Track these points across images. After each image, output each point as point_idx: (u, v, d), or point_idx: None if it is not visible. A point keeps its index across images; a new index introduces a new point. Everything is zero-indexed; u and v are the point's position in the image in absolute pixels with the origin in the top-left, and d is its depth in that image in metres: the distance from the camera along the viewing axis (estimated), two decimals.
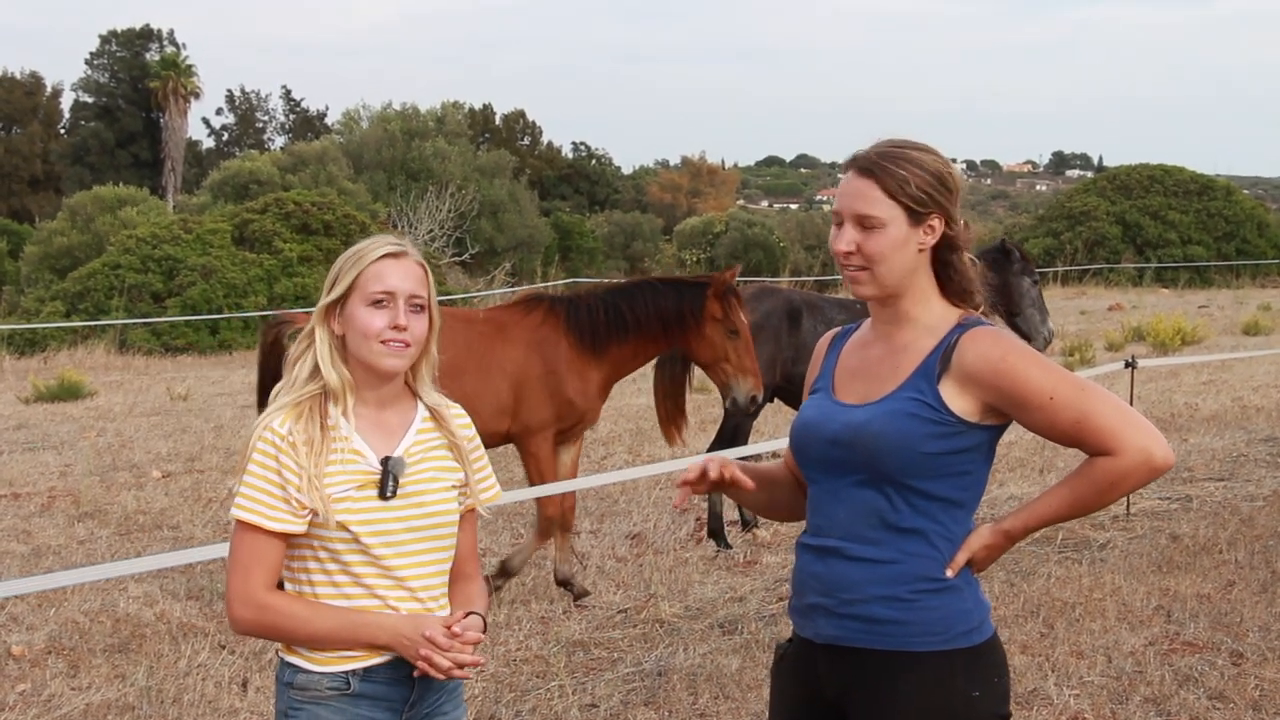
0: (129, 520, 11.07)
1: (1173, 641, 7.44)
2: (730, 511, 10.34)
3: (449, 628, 3.25)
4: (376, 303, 3.27)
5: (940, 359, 3.15)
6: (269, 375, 8.85)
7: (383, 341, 3.27)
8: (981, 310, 3.30)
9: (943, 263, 3.25)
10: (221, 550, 6.60)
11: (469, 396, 8.35)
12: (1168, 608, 8.04)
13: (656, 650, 7.56)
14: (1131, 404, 11.45)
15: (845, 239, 3.18)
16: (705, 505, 10.33)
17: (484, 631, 3.38)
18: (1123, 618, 7.84)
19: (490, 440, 8.55)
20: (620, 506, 11.33)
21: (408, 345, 3.31)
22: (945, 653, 3.12)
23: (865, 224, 3.17)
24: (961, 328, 3.19)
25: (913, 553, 3.14)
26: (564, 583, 8.63)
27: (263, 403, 9.07)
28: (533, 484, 8.54)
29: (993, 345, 3.13)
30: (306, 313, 9.11)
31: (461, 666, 3.25)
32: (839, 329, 3.54)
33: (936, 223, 3.20)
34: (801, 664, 3.33)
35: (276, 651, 3.39)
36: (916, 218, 3.18)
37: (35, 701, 6.89)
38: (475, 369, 8.31)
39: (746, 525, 10.39)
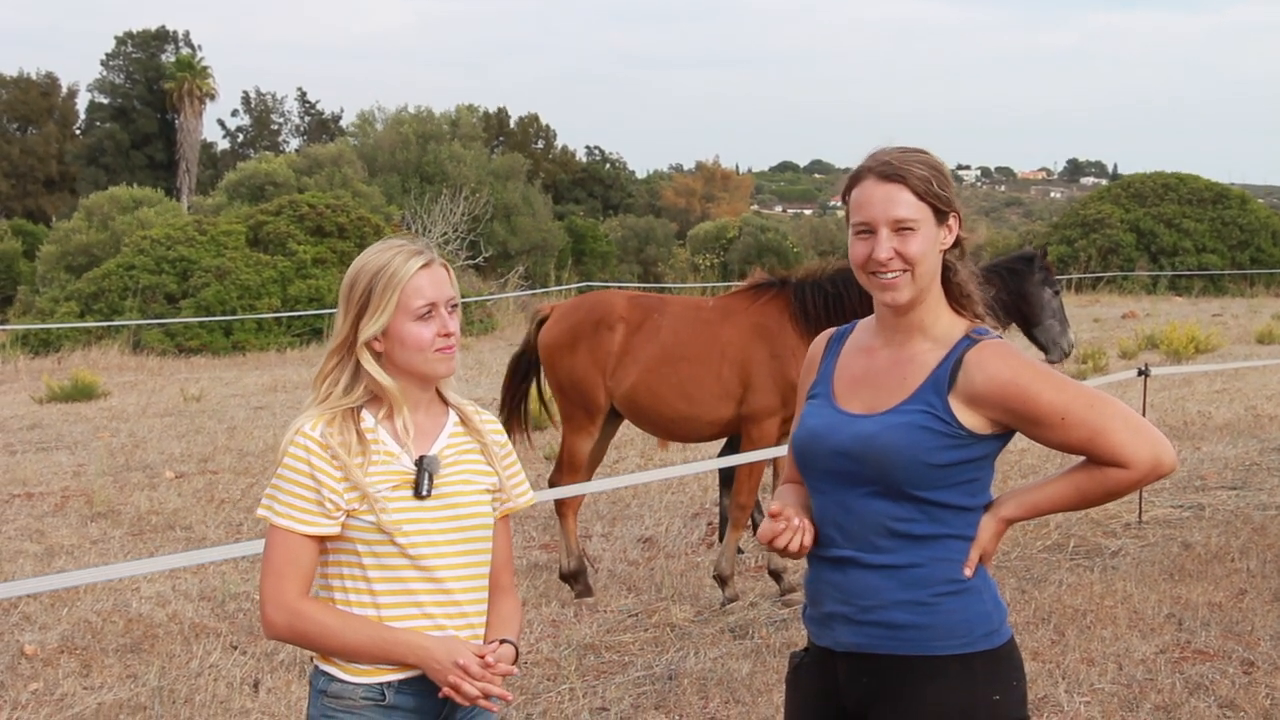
0: (142, 520, 11.11)
1: (1184, 649, 7.43)
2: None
3: (482, 657, 3.23)
4: (421, 316, 3.30)
5: (950, 372, 3.15)
6: (525, 364, 9.10)
7: (436, 350, 3.31)
8: (982, 318, 3.29)
9: (947, 266, 3.26)
10: (234, 551, 6.64)
11: (694, 382, 8.40)
12: (1179, 616, 8.03)
13: (667, 654, 7.57)
14: (1144, 412, 11.45)
15: (884, 246, 3.16)
16: (716, 510, 10.34)
17: (515, 661, 3.36)
18: (1134, 625, 7.83)
19: (715, 428, 8.63)
20: (632, 510, 11.34)
21: (454, 348, 3.36)
22: (966, 656, 3.13)
23: (901, 227, 3.17)
24: (968, 340, 3.19)
25: (930, 557, 3.15)
26: (776, 574, 8.75)
27: (511, 392, 9.22)
28: (740, 474, 8.59)
29: (1001, 366, 3.13)
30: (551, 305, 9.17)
31: (489, 697, 3.23)
32: (834, 330, 3.52)
33: (954, 222, 3.23)
34: (819, 673, 3.33)
35: (312, 658, 3.39)
36: (940, 217, 3.21)
37: (48, 700, 6.91)
38: (699, 355, 8.41)
39: (756, 529, 10.37)
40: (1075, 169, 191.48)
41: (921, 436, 3.11)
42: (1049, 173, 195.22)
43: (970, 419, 3.13)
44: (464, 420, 3.47)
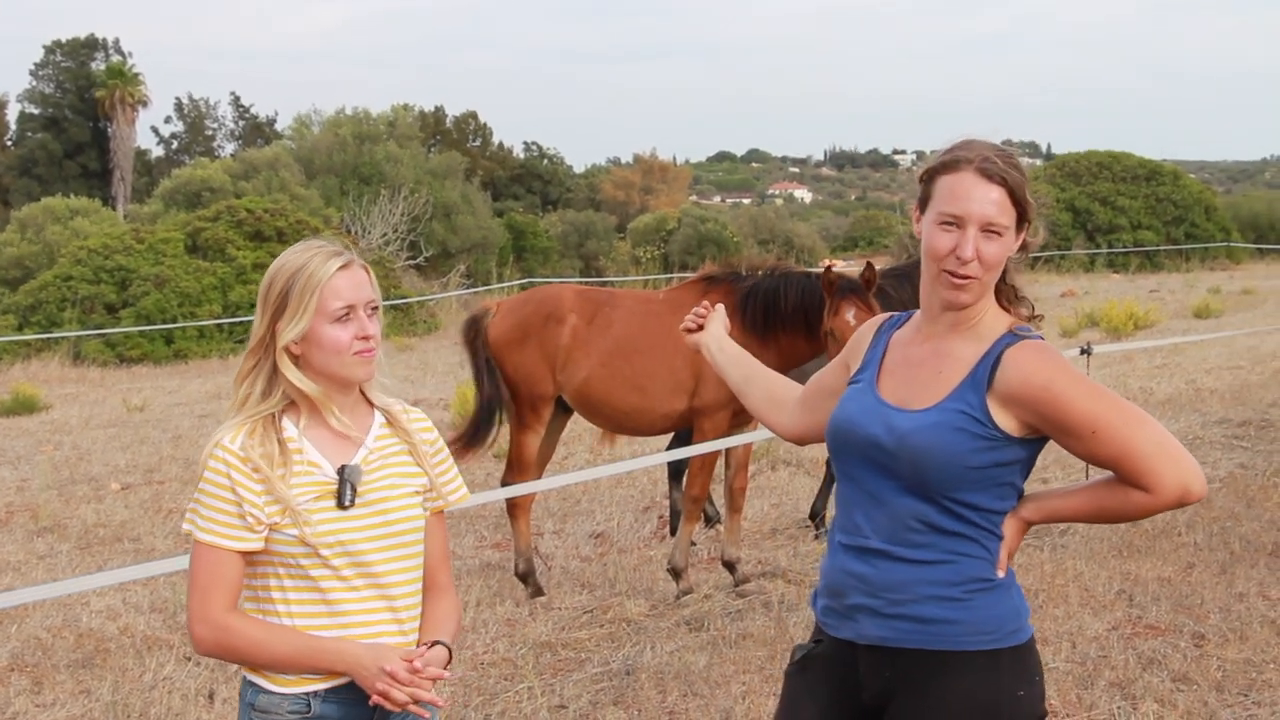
0: (89, 534, 11.00)
1: (1135, 625, 7.51)
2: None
3: (410, 662, 3.19)
4: (339, 318, 3.26)
5: (989, 371, 3.10)
6: (481, 364, 8.89)
7: (355, 353, 3.27)
8: (1031, 317, 3.26)
9: (1010, 274, 3.24)
10: (183, 562, 6.56)
11: (646, 375, 8.39)
12: (1129, 592, 8.11)
13: (624, 649, 7.57)
14: None
15: (971, 245, 3.10)
16: (666, 504, 10.35)
17: (448, 664, 3.33)
18: (1085, 603, 7.90)
19: (667, 420, 8.61)
20: (583, 506, 11.33)
21: (373, 351, 3.31)
22: (994, 651, 3.12)
23: (991, 229, 3.11)
24: (1008, 339, 3.14)
25: (964, 553, 3.13)
26: (729, 564, 8.71)
27: (481, 390, 8.97)
28: (693, 467, 8.59)
29: (1038, 369, 3.07)
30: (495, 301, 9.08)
31: (418, 702, 3.19)
32: (887, 315, 3.48)
33: (1026, 230, 3.20)
34: (834, 665, 3.30)
35: (239, 670, 3.36)
36: (1021, 225, 3.18)
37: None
38: (652, 348, 8.38)
39: (710, 522, 10.41)
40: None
41: (958, 438, 3.07)
42: None
43: (1005, 420, 3.08)
44: (391, 421, 3.44)
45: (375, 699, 3.17)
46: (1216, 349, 20.13)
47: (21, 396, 19.14)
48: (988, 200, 3.10)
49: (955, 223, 3.12)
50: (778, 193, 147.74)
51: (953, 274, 3.12)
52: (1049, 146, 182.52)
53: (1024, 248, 3.23)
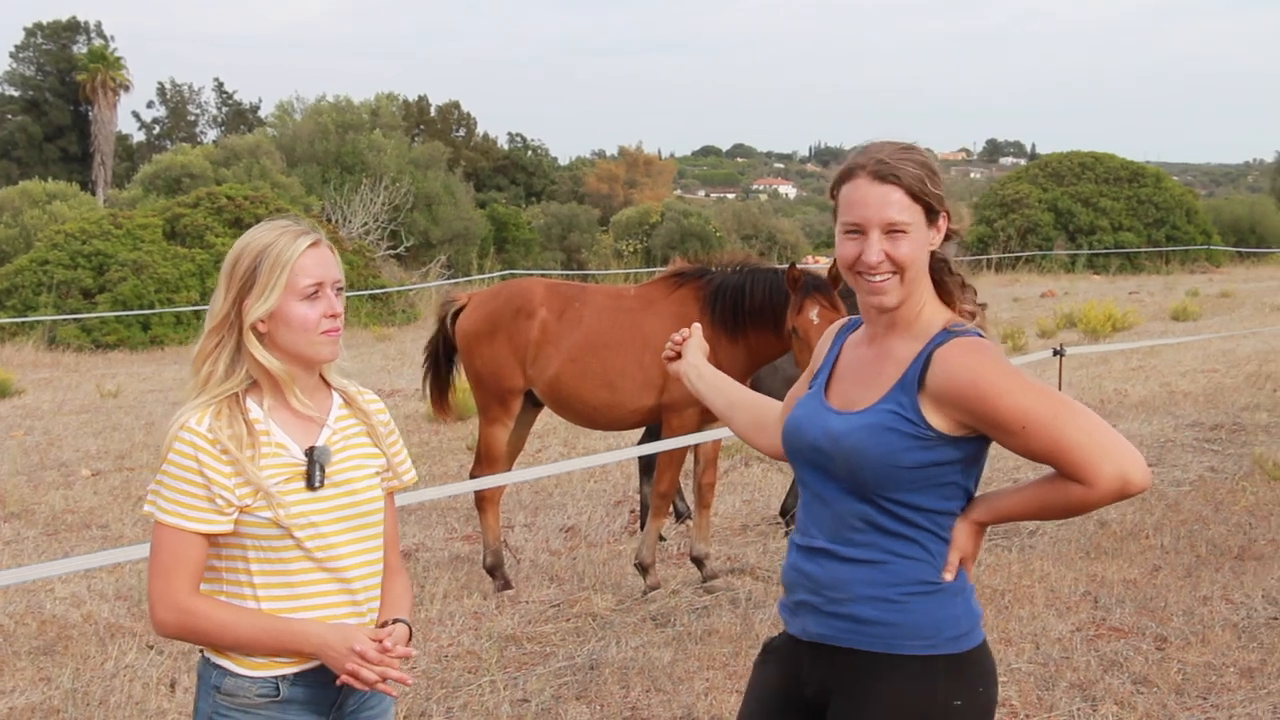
0: (56, 520, 10.95)
1: (1099, 627, 7.52)
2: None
3: (379, 641, 3.20)
4: (308, 296, 3.25)
5: (920, 370, 3.07)
6: (442, 353, 9.09)
7: (322, 332, 3.27)
8: (973, 312, 3.22)
9: (938, 259, 3.21)
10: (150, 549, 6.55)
11: (616, 371, 8.38)
12: (1095, 593, 8.12)
13: (589, 644, 7.55)
14: (1060, 390, 11.58)
15: (874, 249, 3.09)
16: (638, 498, 10.34)
17: (409, 642, 3.35)
18: (1050, 604, 7.92)
19: (637, 416, 8.59)
20: (555, 499, 11.32)
21: (340, 330, 3.31)
22: (930, 657, 3.09)
23: (893, 230, 3.09)
24: (940, 337, 3.11)
25: (903, 555, 3.10)
26: (698, 560, 8.71)
27: (432, 378, 9.23)
28: (661, 463, 8.57)
29: (964, 368, 3.02)
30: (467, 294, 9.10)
31: (387, 680, 3.21)
32: (846, 319, 3.47)
33: (943, 221, 3.17)
34: (786, 659, 3.32)
35: (202, 651, 3.34)
36: (932, 217, 3.14)
37: None
38: (622, 344, 8.37)
39: (680, 517, 10.41)
40: (994, 149, 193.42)
41: (889, 438, 3.05)
42: (969, 153, 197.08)
43: (939, 419, 3.04)
44: (348, 402, 3.44)
45: (344, 679, 3.18)
46: (1192, 352, 20.19)
47: None
48: (885, 202, 3.09)
49: (858, 229, 3.12)
50: (762, 188, 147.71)
51: (866, 278, 3.12)
52: (1034, 146, 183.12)
53: (951, 236, 3.21)
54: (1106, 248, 48.31)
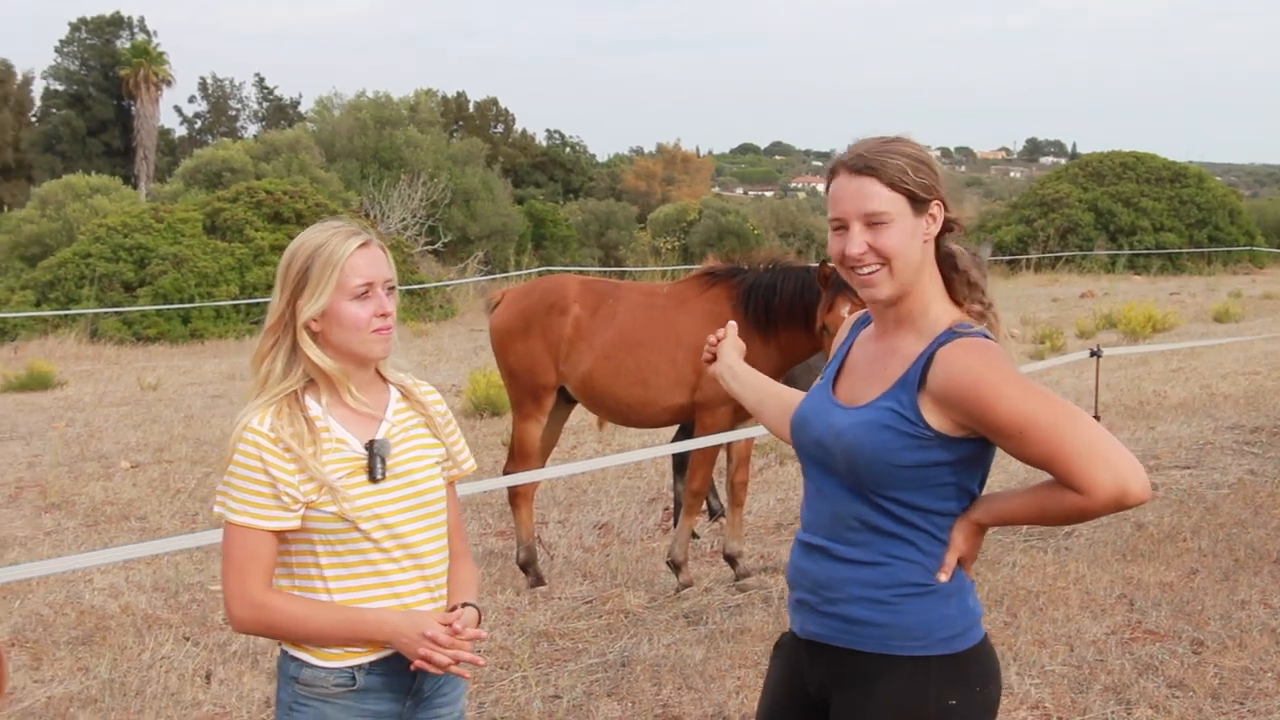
0: (96, 511, 11.04)
1: (1134, 630, 7.48)
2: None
3: (449, 625, 3.27)
4: (359, 296, 3.31)
5: (921, 369, 3.05)
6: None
7: (373, 330, 3.32)
8: (981, 312, 3.18)
9: (945, 255, 3.18)
10: (188, 541, 6.61)
11: (649, 368, 8.38)
12: (1130, 596, 8.07)
13: (621, 640, 7.56)
14: (1098, 392, 11.52)
15: (856, 241, 3.09)
16: (671, 496, 10.34)
17: (479, 625, 3.40)
18: (1086, 606, 7.88)
19: (670, 414, 8.57)
20: (589, 496, 11.33)
21: (391, 328, 3.37)
22: (922, 658, 3.07)
23: (873, 221, 3.09)
24: (945, 336, 3.07)
25: (897, 556, 3.08)
26: (731, 558, 8.69)
27: None
28: (694, 460, 8.58)
29: (964, 370, 2.98)
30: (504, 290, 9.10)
31: (459, 663, 3.27)
32: (861, 313, 3.45)
33: (937, 210, 3.14)
34: (790, 656, 3.34)
35: (279, 643, 3.40)
36: (919, 206, 3.11)
37: None
38: (655, 341, 8.38)
39: (713, 515, 10.41)
40: (1034, 148, 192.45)
41: (886, 436, 3.03)
42: (1008, 152, 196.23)
43: (938, 420, 3.02)
44: (406, 395, 3.51)
45: (417, 664, 3.25)
46: (1234, 354, 20.04)
47: (36, 373, 19.22)
48: (862, 194, 3.09)
49: (841, 224, 3.14)
50: (800, 186, 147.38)
51: (856, 271, 3.13)
52: (1074, 145, 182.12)
53: (951, 226, 3.19)
54: (1147, 248, 48.03)
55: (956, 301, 3.19)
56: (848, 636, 3.13)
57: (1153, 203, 49.72)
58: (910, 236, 3.10)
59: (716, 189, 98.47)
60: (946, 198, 3.16)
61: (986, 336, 3.10)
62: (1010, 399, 2.94)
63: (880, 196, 3.08)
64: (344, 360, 3.35)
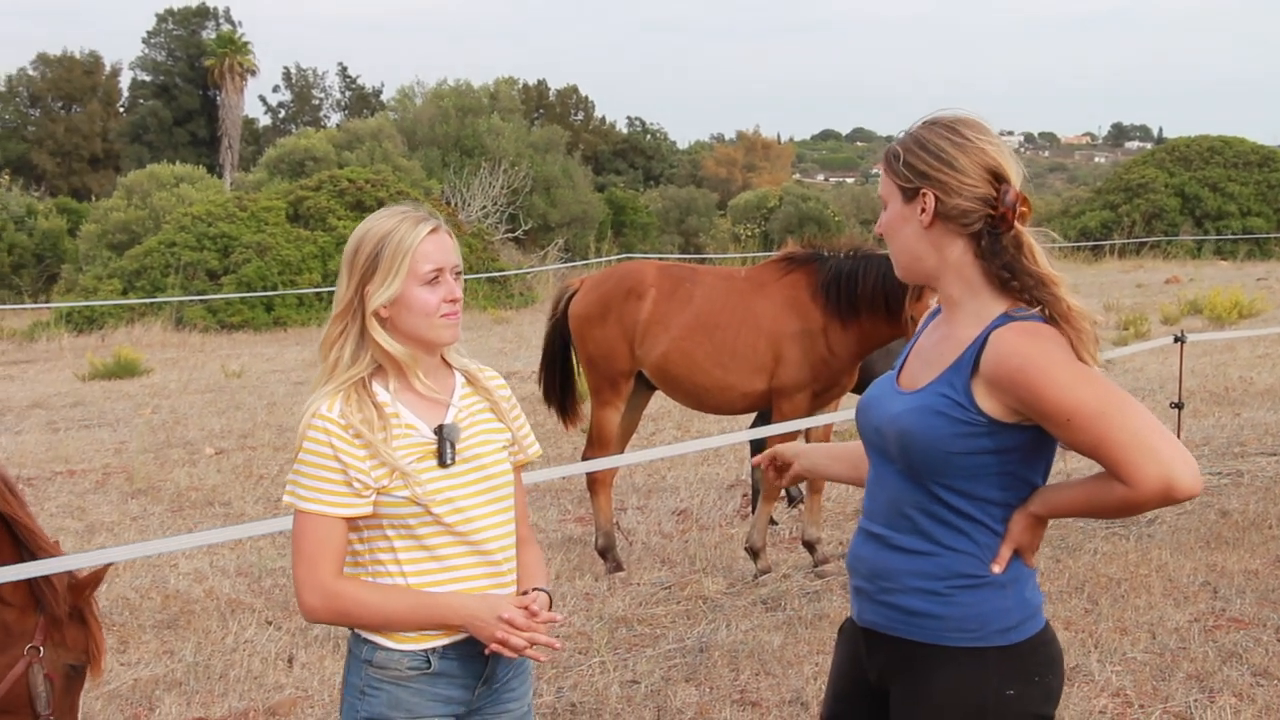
0: (181, 497, 11.20)
1: (1218, 618, 7.39)
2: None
3: (526, 608, 3.26)
4: (429, 281, 3.31)
5: (974, 354, 3.00)
6: (558, 346, 9.15)
7: (442, 315, 3.33)
8: (1040, 301, 3.05)
9: (991, 251, 3.06)
10: (271, 526, 6.68)
11: (726, 352, 8.40)
12: (1214, 584, 7.98)
13: (699, 626, 7.58)
14: (1181, 378, 11.37)
15: (880, 221, 3.21)
16: (750, 482, 10.34)
17: (550, 608, 3.40)
18: (1168, 594, 7.80)
19: (747, 400, 8.59)
20: (668, 482, 11.35)
21: (459, 313, 3.37)
22: (979, 650, 3.04)
23: (883, 204, 3.18)
24: (1000, 320, 3.02)
25: (952, 547, 3.05)
26: (809, 545, 8.71)
27: (549, 377, 9.25)
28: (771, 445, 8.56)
29: (1013, 352, 2.93)
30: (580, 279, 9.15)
31: (534, 645, 3.26)
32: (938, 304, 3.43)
33: (929, 199, 3.07)
34: (850, 642, 3.33)
35: (340, 632, 3.42)
36: (908, 195, 3.10)
37: None
38: (732, 325, 8.40)
39: (792, 501, 10.39)
40: (1119, 133, 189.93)
41: (938, 422, 2.99)
42: (1093, 137, 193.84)
43: (990, 404, 2.96)
44: (471, 380, 3.50)
45: (493, 647, 3.23)
46: None
47: (123, 360, 19.50)
48: (881, 183, 3.21)
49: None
50: (881, 172, 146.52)
51: None
52: (1160, 130, 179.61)
53: (939, 215, 3.08)
54: (1234, 233, 47.28)
55: (1002, 292, 3.09)
56: (904, 627, 3.11)
57: (1240, 187, 48.89)
58: (900, 221, 3.14)
59: (797, 176, 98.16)
60: (952, 188, 3.04)
61: (1042, 320, 3.01)
62: (1058, 384, 2.88)
63: (884, 181, 3.18)
64: (412, 346, 3.35)
